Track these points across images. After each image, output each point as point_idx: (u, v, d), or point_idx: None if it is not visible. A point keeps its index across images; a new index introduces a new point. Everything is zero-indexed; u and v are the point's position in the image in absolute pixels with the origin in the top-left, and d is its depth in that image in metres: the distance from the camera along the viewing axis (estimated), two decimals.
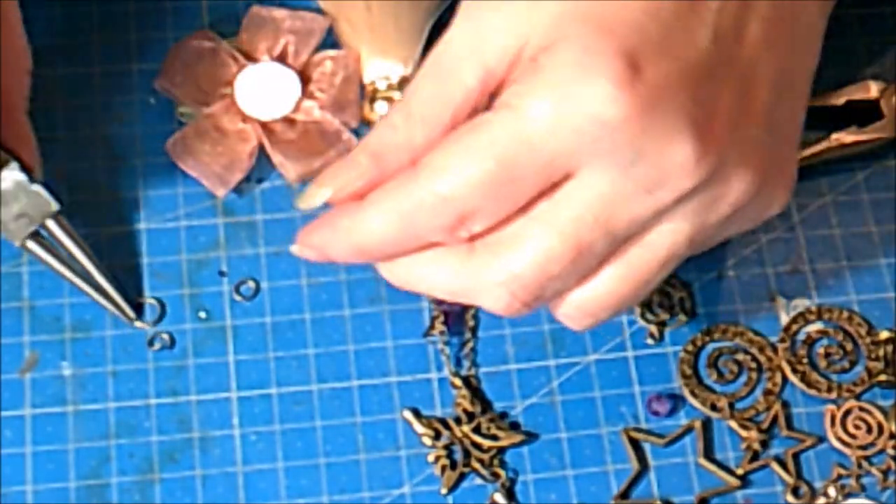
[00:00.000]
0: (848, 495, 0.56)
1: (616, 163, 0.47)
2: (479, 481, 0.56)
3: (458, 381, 0.57)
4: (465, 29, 0.49)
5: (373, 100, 0.61)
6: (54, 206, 0.56)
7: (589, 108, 0.46)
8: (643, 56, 0.47)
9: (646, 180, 0.47)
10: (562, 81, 0.46)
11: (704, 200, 0.49)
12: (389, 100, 0.61)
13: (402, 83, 0.61)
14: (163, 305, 0.58)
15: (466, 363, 0.58)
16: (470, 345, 0.58)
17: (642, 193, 0.48)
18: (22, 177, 0.55)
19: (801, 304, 0.60)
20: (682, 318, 0.59)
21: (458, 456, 0.56)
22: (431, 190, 0.48)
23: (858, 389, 0.58)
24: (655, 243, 0.49)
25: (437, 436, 0.56)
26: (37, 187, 0.55)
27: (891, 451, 0.57)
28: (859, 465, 0.57)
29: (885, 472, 0.57)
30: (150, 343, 0.57)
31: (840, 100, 0.62)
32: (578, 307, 0.50)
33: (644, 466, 0.56)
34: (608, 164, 0.47)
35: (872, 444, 0.57)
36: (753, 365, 0.58)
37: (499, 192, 0.47)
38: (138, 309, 0.58)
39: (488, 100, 0.48)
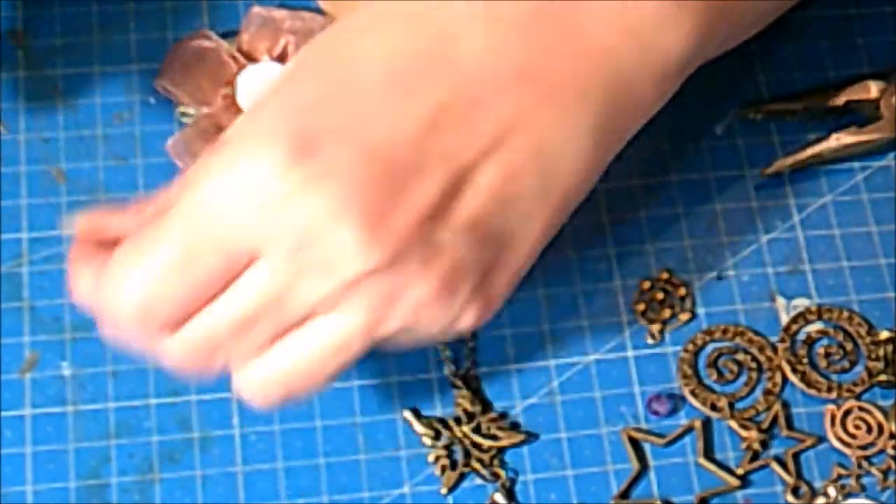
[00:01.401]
0: (848, 495, 0.56)
1: (285, 244, 0.46)
2: (479, 481, 0.56)
3: (458, 381, 0.57)
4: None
5: None
6: None
7: (253, 183, 0.46)
8: (321, 136, 0.46)
9: (316, 264, 0.46)
10: (233, 158, 0.46)
11: (379, 294, 0.47)
12: None
13: None
14: None
15: (466, 363, 0.58)
16: (470, 345, 0.58)
17: (312, 277, 0.47)
18: None
19: (801, 304, 0.60)
20: (682, 318, 0.59)
21: (458, 456, 0.56)
22: (122, 300, 0.48)
23: (858, 389, 0.58)
24: (326, 331, 0.48)
25: (437, 436, 0.56)
26: None
27: (891, 451, 0.57)
28: (859, 465, 0.57)
29: (885, 472, 0.57)
30: None
31: (840, 100, 0.62)
32: (260, 387, 0.49)
33: (644, 466, 0.56)
34: (278, 247, 0.46)
35: (872, 444, 0.57)
36: (753, 365, 0.58)
37: (183, 278, 0.47)
38: None
39: None
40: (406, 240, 0.47)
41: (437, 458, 0.56)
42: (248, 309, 0.48)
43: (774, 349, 0.59)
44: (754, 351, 0.59)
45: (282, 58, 0.61)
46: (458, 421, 0.56)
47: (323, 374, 0.49)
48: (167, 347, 0.49)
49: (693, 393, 0.58)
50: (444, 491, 0.55)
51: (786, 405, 0.58)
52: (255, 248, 0.47)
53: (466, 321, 0.49)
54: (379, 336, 0.49)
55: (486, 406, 0.57)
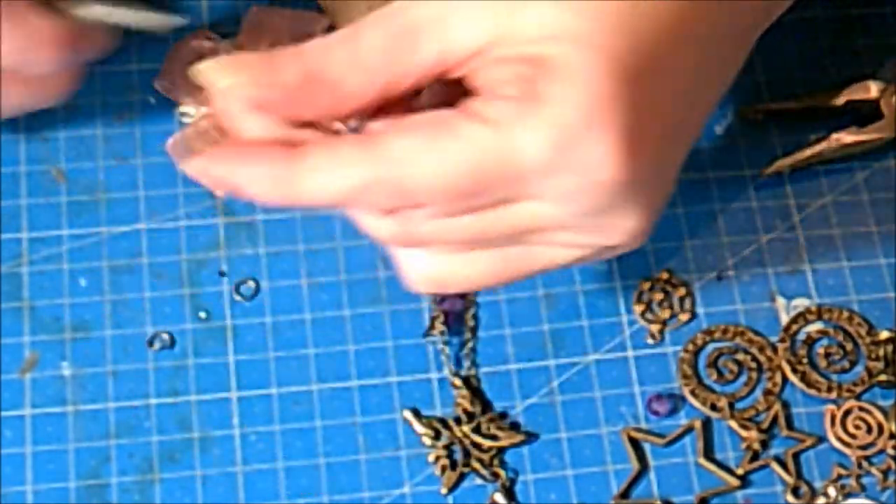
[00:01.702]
0: (848, 495, 0.56)
1: (576, 207, 0.46)
2: (479, 481, 0.56)
3: (458, 381, 0.57)
4: None
5: None
6: None
7: (587, 165, 0.45)
8: (645, 115, 0.45)
9: (587, 226, 0.47)
10: (564, 125, 0.44)
11: (605, 252, 0.49)
12: None
13: None
14: None
15: (466, 363, 0.58)
16: (470, 345, 0.58)
17: (574, 232, 0.47)
18: None
19: (801, 304, 0.60)
20: (682, 318, 0.59)
21: (458, 456, 0.56)
22: (394, 177, 0.45)
23: (858, 389, 0.58)
24: (541, 258, 0.49)
25: (437, 436, 0.56)
26: None
27: (891, 451, 0.57)
28: (859, 465, 0.57)
29: (885, 472, 0.57)
30: (150, 343, 0.57)
31: (840, 100, 0.62)
32: (437, 279, 0.49)
33: (644, 466, 0.56)
34: (568, 206, 0.46)
35: (872, 444, 0.57)
36: (753, 365, 0.58)
37: (459, 199, 0.46)
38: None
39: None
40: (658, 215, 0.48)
41: (437, 458, 0.56)
42: (497, 228, 0.47)
43: (774, 349, 0.59)
44: (754, 351, 0.59)
45: None
46: (458, 421, 0.56)
47: (508, 280, 0.50)
48: (381, 225, 0.48)
49: (693, 393, 0.58)
50: (444, 491, 0.55)
51: (786, 405, 0.58)
52: (542, 192, 0.46)
53: (640, 244, 0.50)
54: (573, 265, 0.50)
55: (486, 406, 0.57)
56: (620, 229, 0.48)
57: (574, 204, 0.46)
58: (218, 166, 0.46)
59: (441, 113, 0.45)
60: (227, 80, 0.45)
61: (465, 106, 0.45)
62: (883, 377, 0.58)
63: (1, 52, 0.52)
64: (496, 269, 0.49)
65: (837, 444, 0.57)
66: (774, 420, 0.57)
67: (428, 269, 0.49)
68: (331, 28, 0.62)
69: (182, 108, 0.61)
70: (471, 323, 0.58)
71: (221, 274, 0.59)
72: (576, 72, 0.44)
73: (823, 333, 0.59)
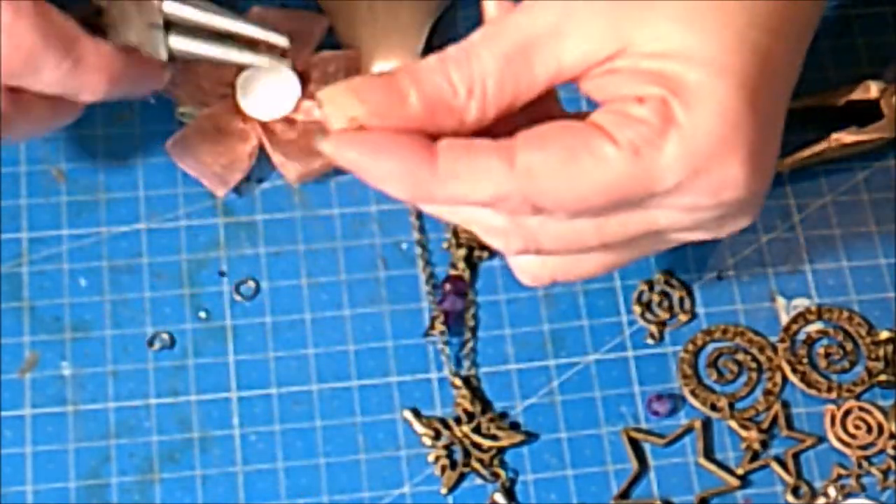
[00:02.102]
0: (848, 495, 0.56)
1: (699, 220, 0.48)
2: (479, 481, 0.56)
3: (458, 381, 0.57)
4: (554, 10, 0.46)
5: None
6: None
7: (716, 187, 0.46)
8: (767, 130, 0.47)
9: (702, 228, 0.49)
10: (699, 152, 0.45)
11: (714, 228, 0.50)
12: None
13: None
14: None
15: (466, 363, 0.58)
16: (470, 345, 0.58)
17: (687, 232, 0.49)
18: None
19: (801, 304, 0.60)
20: (682, 318, 0.59)
21: (458, 456, 0.56)
22: (531, 192, 0.45)
23: (858, 389, 0.58)
24: (644, 245, 0.50)
25: (437, 436, 0.56)
26: None
27: (891, 451, 0.57)
28: (859, 465, 0.57)
29: (885, 472, 0.57)
30: (150, 343, 0.57)
31: (840, 100, 0.62)
32: (552, 275, 0.51)
33: (644, 466, 0.56)
34: (691, 219, 0.48)
35: (872, 444, 0.57)
36: (753, 365, 0.58)
37: (586, 214, 0.47)
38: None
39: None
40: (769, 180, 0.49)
41: (437, 458, 0.56)
42: (617, 236, 0.48)
43: (774, 349, 0.59)
44: (754, 351, 0.59)
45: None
46: (458, 421, 0.56)
47: (620, 266, 0.51)
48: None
49: (693, 393, 0.58)
50: (444, 491, 0.55)
51: (786, 405, 0.58)
52: (663, 202, 0.47)
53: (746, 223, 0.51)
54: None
55: (486, 406, 0.57)
56: (733, 227, 0.49)
57: (697, 215, 0.47)
58: (354, 151, 0.45)
59: (575, 127, 0.46)
60: (353, 111, 0.45)
61: (597, 122, 0.46)
62: (883, 377, 0.58)
63: (44, 76, 0.50)
64: (606, 263, 0.51)
65: (837, 444, 0.57)
66: (774, 420, 0.57)
67: (540, 270, 0.51)
68: (331, 28, 0.62)
69: (182, 108, 0.61)
70: (471, 323, 0.58)
71: (221, 274, 0.59)
72: (709, 97, 0.45)
73: (823, 333, 0.59)
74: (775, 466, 0.56)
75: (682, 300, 0.59)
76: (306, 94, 0.61)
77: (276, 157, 0.60)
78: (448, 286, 0.58)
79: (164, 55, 0.55)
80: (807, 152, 0.61)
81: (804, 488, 0.56)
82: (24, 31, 0.49)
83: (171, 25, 0.56)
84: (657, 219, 0.48)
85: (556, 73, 0.46)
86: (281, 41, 0.57)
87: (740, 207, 0.48)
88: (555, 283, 0.52)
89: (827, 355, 0.59)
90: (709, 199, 0.46)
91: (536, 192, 0.45)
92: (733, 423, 0.57)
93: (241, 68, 0.61)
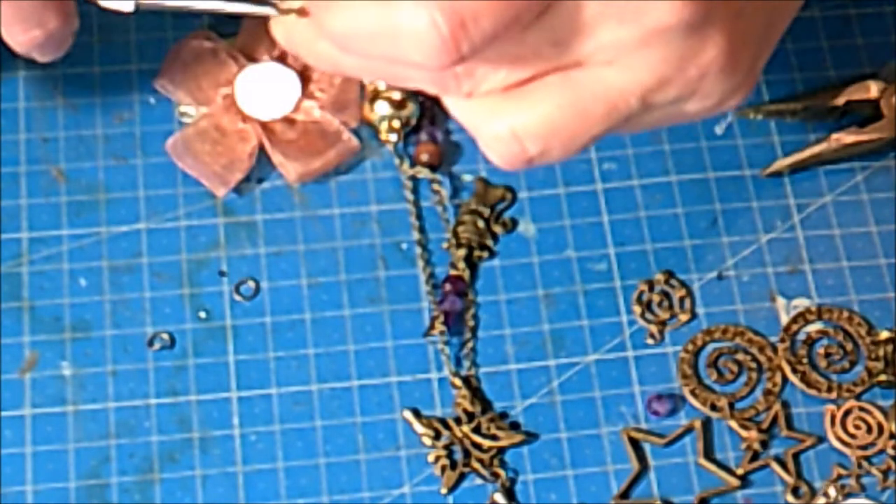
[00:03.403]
0: (848, 495, 0.56)
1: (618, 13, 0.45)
2: (479, 481, 0.56)
3: (458, 381, 0.57)
4: None
5: (373, 100, 0.61)
6: None
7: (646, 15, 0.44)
8: None
9: (624, 9, 0.44)
10: None
11: (674, 54, 0.46)
12: (389, 100, 0.61)
13: None
14: None
15: (466, 363, 0.58)
16: (470, 345, 0.58)
17: (614, 22, 0.45)
18: None
19: (801, 304, 0.60)
20: (682, 318, 0.59)
21: (458, 456, 0.56)
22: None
23: (858, 389, 0.58)
24: (607, 80, 0.46)
25: (437, 436, 0.56)
26: None
27: (891, 451, 0.57)
28: (859, 465, 0.57)
29: (885, 472, 0.57)
30: (150, 343, 0.57)
31: (840, 100, 0.62)
32: (511, 128, 0.46)
33: (644, 466, 0.56)
34: (616, 44, 0.45)
35: (872, 444, 0.57)
36: (753, 365, 0.58)
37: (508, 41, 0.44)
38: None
39: None
40: (718, 5, 0.45)
41: (437, 458, 0.56)
42: (532, 30, 0.45)
43: (774, 349, 0.59)
44: (754, 351, 0.59)
45: (282, 58, 0.61)
46: (458, 421, 0.56)
47: (584, 131, 0.47)
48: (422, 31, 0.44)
49: (693, 393, 0.58)
50: (444, 491, 0.55)
51: (786, 405, 0.58)
52: None
53: (734, 100, 0.49)
54: (652, 101, 0.47)
55: (486, 406, 0.57)
56: (671, 11, 0.45)
57: (624, 41, 0.45)
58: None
59: None
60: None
61: None
62: (883, 377, 0.58)
63: None
64: (564, 99, 0.46)
65: (837, 444, 0.57)
66: (774, 420, 0.57)
67: (498, 126, 0.47)
68: None
69: (182, 108, 0.61)
70: (471, 323, 0.58)
71: (221, 274, 0.59)
72: None
73: (823, 333, 0.59)
74: (775, 466, 0.56)
75: (682, 300, 0.59)
76: (306, 93, 0.61)
77: (276, 157, 0.60)
78: (448, 286, 0.58)
79: (130, 5, 0.53)
80: (807, 152, 0.61)
81: (804, 488, 0.56)
82: None
83: None
84: (570, 2, 0.44)
85: None
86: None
87: (684, 49, 0.45)
88: (527, 155, 0.47)
89: (827, 355, 0.59)
90: (630, 20, 0.44)
91: None
92: (733, 423, 0.57)
93: (240, 68, 0.61)
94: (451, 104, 0.48)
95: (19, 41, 0.54)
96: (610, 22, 0.45)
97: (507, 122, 0.47)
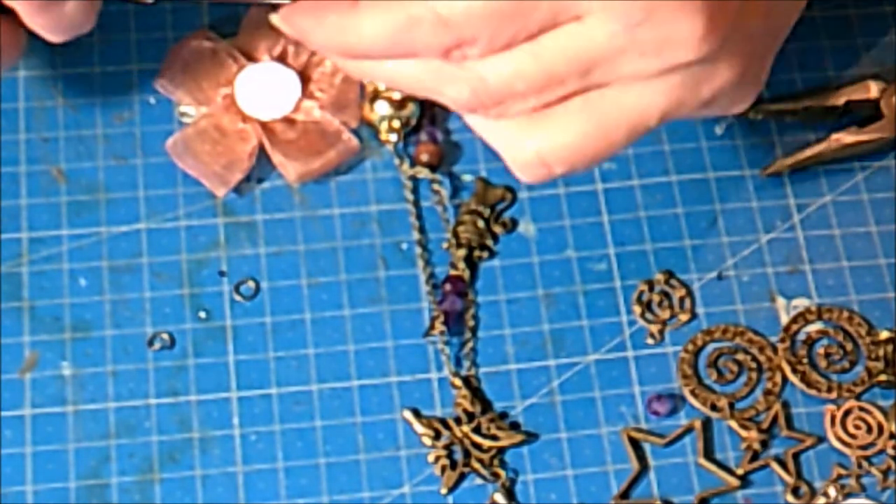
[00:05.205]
0: (848, 495, 0.56)
1: (623, 18, 0.46)
2: (479, 481, 0.56)
3: (458, 381, 0.57)
4: None
5: (373, 100, 0.61)
6: None
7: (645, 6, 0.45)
8: None
9: (645, 44, 0.46)
10: None
11: (691, 79, 0.48)
12: (389, 100, 0.61)
13: None
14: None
15: (466, 363, 0.58)
16: (470, 345, 0.58)
17: (636, 55, 0.47)
18: None
19: (801, 304, 0.60)
20: (682, 318, 0.59)
21: (458, 456, 0.56)
22: (431, 8, 0.46)
23: (858, 389, 0.58)
24: (627, 104, 0.48)
25: (437, 436, 0.56)
26: None
27: (891, 451, 0.57)
28: (859, 465, 0.57)
29: (885, 472, 0.57)
30: (150, 343, 0.57)
31: (840, 100, 0.62)
32: (538, 153, 0.49)
33: (644, 466, 0.56)
34: (615, 17, 0.46)
35: (872, 444, 0.57)
36: (753, 365, 0.58)
37: (502, 24, 0.46)
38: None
39: None
40: (731, 31, 0.47)
41: (437, 458, 0.56)
42: (559, 62, 0.47)
43: (774, 349, 0.59)
44: (754, 351, 0.59)
45: (282, 58, 0.61)
46: (458, 421, 0.56)
47: (606, 150, 0.49)
48: (454, 77, 0.48)
49: (693, 393, 0.58)
50: (444, 491, 0.55)
51: (786, 405, 0.58)
52: (588, 7, 0.46)
53: (742, 106, 0.51)
54: (668, 119, 0.49)
55: (486, 406, 0.57)
56: (690, 50, 0.47)
57: (618, 10, 0.46)
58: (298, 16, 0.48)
59: None
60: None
61: None
62: (883, 377, 0.58)
63: None
64: (589, 125, 0.49)
65: (837, 444, 0.57)
66: (774, 420, 0.57)
67: (526, 151, 0.49)
68: None
69: (182, 108, 0.61)
70: (471, 323, 0.58)
71: (221, 274, 0.59)
72: None
73: (823, 333, 0.59)
74: (775, 466, 0.56)
75: (682, 300, 0.59)
76: (306, 93, 0.61)
77: (276, 157, 0.60)
78: (448, 286, 0.58)
79: None
80: (807, 152, 0.61)
81: (804, 488, 0.56)
82: None
83: None
84: (585, 34, 0.47)
85: None
86: None
87: (653, 3, 0.46)
88: (552, 175, 0.50)
89: (827, 355, 0.59)
90: (651, 55, 0.46)
91: (440, 5, 0.45)
92: (733, 423, 0.57)
93: (240, 68, 0.61)
94: (477, 124, 0.50)
95: (38, 23, 0.54)
96: (632, 55, 0.47)
97: (533, 146, 0.49)
